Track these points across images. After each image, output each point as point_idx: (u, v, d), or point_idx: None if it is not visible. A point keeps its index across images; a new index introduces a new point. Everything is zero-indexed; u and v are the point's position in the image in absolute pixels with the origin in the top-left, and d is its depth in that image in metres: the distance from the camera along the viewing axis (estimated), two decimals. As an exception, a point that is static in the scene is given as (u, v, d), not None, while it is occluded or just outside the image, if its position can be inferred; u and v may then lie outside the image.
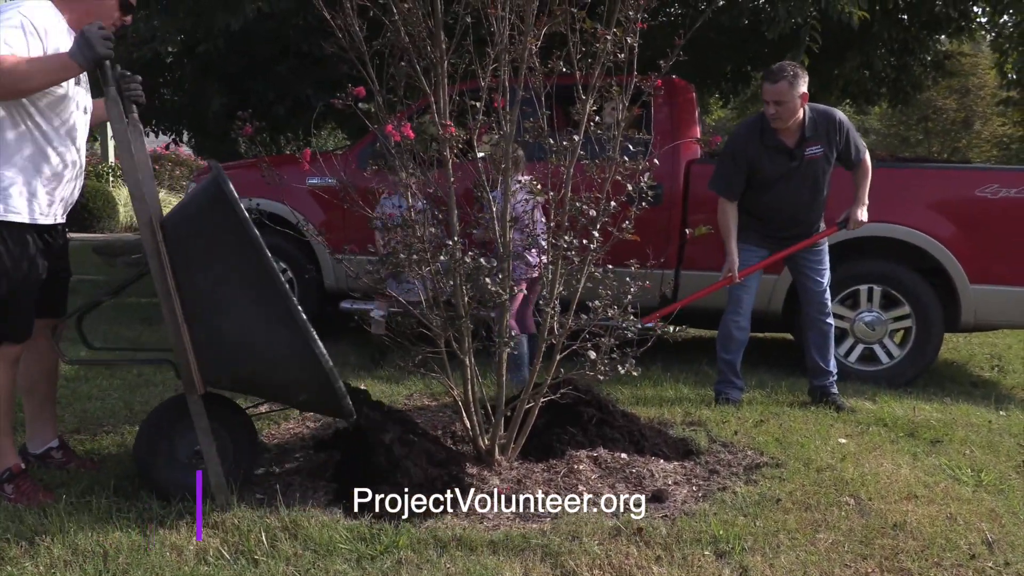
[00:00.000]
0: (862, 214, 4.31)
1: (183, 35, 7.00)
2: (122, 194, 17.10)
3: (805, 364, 4.93)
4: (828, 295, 4.44)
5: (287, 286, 2.69)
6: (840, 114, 4.30)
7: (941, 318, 4.96)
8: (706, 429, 3.84)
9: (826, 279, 4.42)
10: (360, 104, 3.06)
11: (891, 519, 2.88)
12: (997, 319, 5.01)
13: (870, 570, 2.55)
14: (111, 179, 17.39)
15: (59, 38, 2.81)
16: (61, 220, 3.02)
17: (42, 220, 2.89)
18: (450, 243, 3.10)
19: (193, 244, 2.74)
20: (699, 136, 5.29)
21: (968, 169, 5.39)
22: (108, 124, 3.06)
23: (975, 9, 8.05)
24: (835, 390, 4.44)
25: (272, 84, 7.62)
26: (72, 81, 2.84)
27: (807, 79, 4.15)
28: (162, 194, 18.02)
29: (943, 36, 8.95)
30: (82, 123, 3.00)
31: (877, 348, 5.07)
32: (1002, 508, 3.05)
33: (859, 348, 5.06)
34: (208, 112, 7.43)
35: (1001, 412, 4.48)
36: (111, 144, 17.26)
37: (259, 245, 2.63)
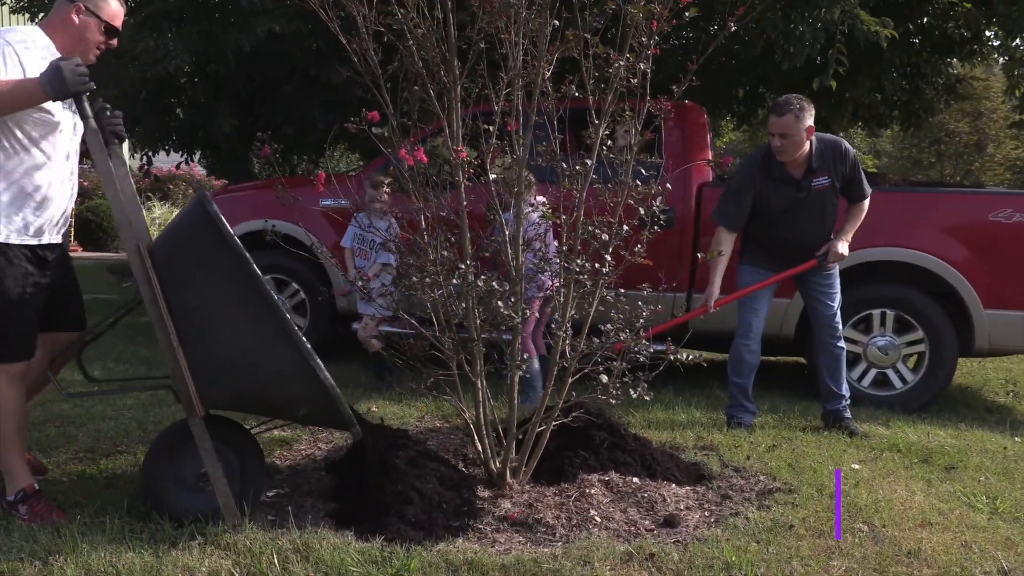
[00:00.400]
0: (843, 248, 4.27)
1: (195, 55, 7.08)
2: (149, 216, 17.28)
3: (817, 388, 4.92)
4: (839, 319, 4.40)
5: (278, 301, 2.73)
6: (847, 145, 4.31)
7: (955, 343, 4.94)
8: (718, 454, 3.83)
9: (837, 303, 4.39)
10: (374, 128, 3.09)
11: (905, 546, 2.86)
12: (1012, 344, 4.98)
13: (884, 598, 2.53)
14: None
15: (43, 66, 2.80)
16: (56, 240, 3.04)
17: (32, 241, 2.92)
18: (463, 266, 3.11)
19: (182, 266, 2.77)
20: (709, 157, 5.31)
21: (981, 193, 5.38)
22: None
23: (987, 33, 8.06)
24: (848, 414, 4.40)
25: (280, 105, 7.70)
26: (60, 104, 2.90)
27: (813, 112, 4.15)
28: (176, 214, 18.16)
29: (955, 60, 8.95)
30: (73, 145, 3.05)
31: (890, 373, 5.05)
32: (1018, 536, 3.02)
33: (872, 373, 5.04)
34: (219, 132, 7.50)
35: (1016, 438, 4.45)
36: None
37: (247, 263, 2.67)
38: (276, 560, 2.60)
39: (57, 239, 3.05)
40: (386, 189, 4.89)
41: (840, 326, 4.41)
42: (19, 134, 2.84)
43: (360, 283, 3.51)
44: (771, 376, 5.85)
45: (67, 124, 2.99)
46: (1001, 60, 8.56)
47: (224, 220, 2.68)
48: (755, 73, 8.38)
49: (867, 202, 4.37)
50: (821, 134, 4.27)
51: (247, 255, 2.69)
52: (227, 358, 2.75)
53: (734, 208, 4.31)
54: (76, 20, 2.99)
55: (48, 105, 2.84)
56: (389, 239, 3.52)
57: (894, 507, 3.22)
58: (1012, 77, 7.27)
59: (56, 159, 2.95)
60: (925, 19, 7.58)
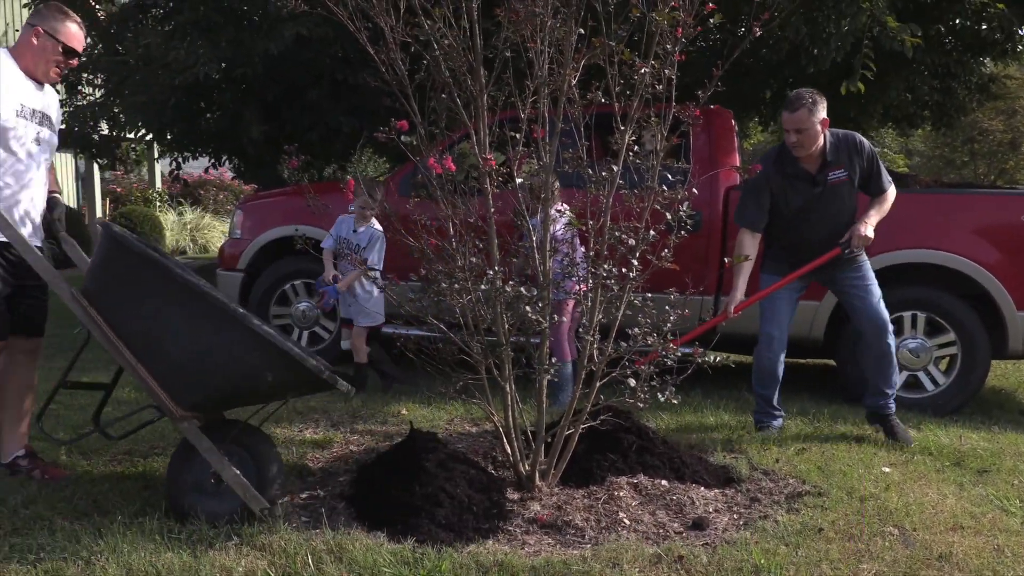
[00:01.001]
0: (867, 230, 4.10)
1: (224, 62, 7.19)
2: (168, 219, 17.53)
3: (847, 391, 4.91)
4: (884, 312, 4.21)
5: (212, 289, 2.87)
6: (863, 139, 4.24)
7: (988, 345, 4.89)
8: (747, 456, 3.83)
9: (876, 295, 4.23)
10: (403, 137, 3.14)
11: (936, 550, 2.85)
12: (1045, 346, 4.93)
13: (914, 601, 2.53)
14: (158, 204, 17.82)
15: (8, 77, 3.17)
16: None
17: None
18: (491, 272, 3.15)
19: (114, 294, 2.93)
20: (738, 163, 5.31)
21: (1013, 194, 5.32)
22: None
23: (1021, 32, 7.97)
24: (891, 411, 4.27)
25: (306, 111, 7.79)
26: (14, 113, 3.18)
27: (825, 105, 4.12)
28: (207, 218, 18.42)
29: (987, 59, 8.86)
30: (35, 152, 3.30)
31: (922, 375, 5.01)
32: (1051, 540, 3.00)
33: (903, 375, 5.00)
34: (247, 138, 7.61)
35: (1051, 441, 4.39)
36: (158, 170, 17.72)
37: (165, 266, 2.81)
38: (310, 560, 2.66)
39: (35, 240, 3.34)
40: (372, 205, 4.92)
41: (887, 320, 4.21)
42: None
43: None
44: (800, 379, 5.83)
45: (30, 136, 3.26)
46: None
47: (130, 237, 2.87)
48: (782, 76, 8.35)
49: (891, 194, 4.25)
50: (835, 129, 4.23)
51: (162, 259, 2.84)
52: (184, 358, 2.85)
53: (752, 208, 4.27)
54: (35, 42, 3.25)
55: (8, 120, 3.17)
56: (417, 246, 3.55)
57: (925, 510, 3.21)
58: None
59: (14, 169, 3.24)
60: (956, 20, 7.51)
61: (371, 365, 5.19)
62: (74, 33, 3.30)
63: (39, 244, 3.37)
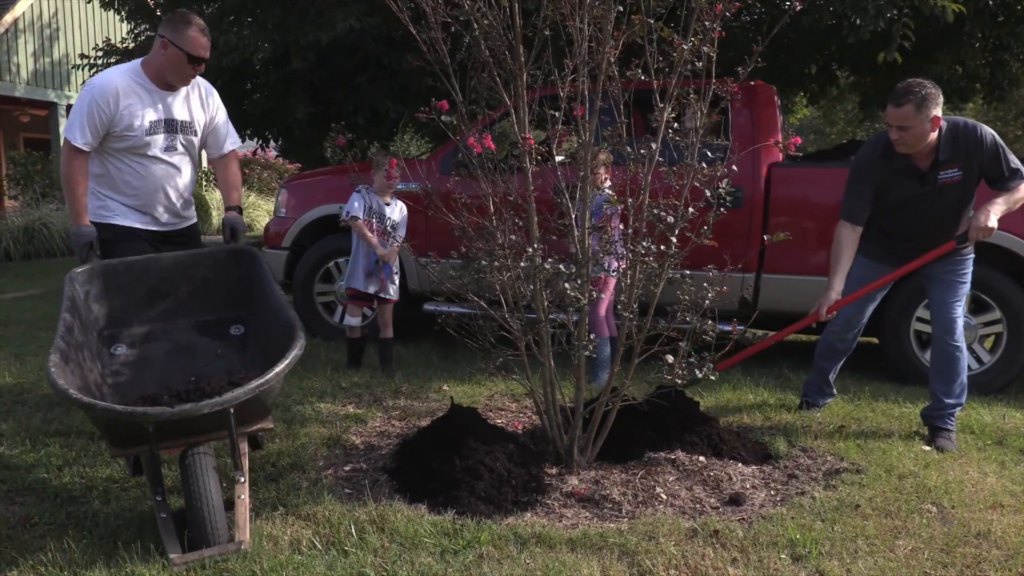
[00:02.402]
0: (989, 220, 3.64)
1: (271, 45, 7.27)
2: (215, 197, 17.81)
3: (893, 369, 4.87)
4: (960, 315, 3.89)
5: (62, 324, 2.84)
6: (987, 131, 3.72)
7: (1034, 324, 4.82)
8: (786, 434, 3.84)
9: (962, 295, 3.89)
10: (444, 116, 3.18)
11: (975, 528, 2.85)
12: (1095, 325, 4.83)
13: (951, 578, 2.54)
14: (204, 184, 18.14)
15: (130, 100, 3.38)
16: (163, 227, 3.63)
17: (141, 226, 3.55)
18: (530, 250, 3.19)
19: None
20: (779, 139, 5.26)
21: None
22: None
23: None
24: (947, 425, 3.87)
25: (352, 95, 7.85)
26: (142, 132, 3.43)
27: (940, 99, 3.64)
28: (252, 197, 18.69)
29: (1041, 30, 8.62)
30: (165, 156, 3.54)
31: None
32: (1094, 519, 2.98)
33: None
34: (292, 120, 7.71)
35: (1098, 421, 4.33)
36: (202, 152, 17.98)
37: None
38: (353, 530, 2.74)
39: (167, 227, 3.65)
40: (393, 173, 4.85)
41: (959, 324, 3.88)
42: (109, 155, 3.48)
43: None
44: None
45: (159, 145, 3.51)
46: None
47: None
48: (826, 50, 8.22)
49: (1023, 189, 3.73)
50: (955, 118, 3.76)
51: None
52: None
53: (853, 199, 3.88)
54: (163, 52, 3.40)
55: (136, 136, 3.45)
56: (457, 225, 3.60)
57: (965, 488, 3.20)
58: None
59: (139, 172, 3.51)
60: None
61: (367, 340, 5.20)
62: (197, 41, 3.42)
63: (156, 229, 3.61)
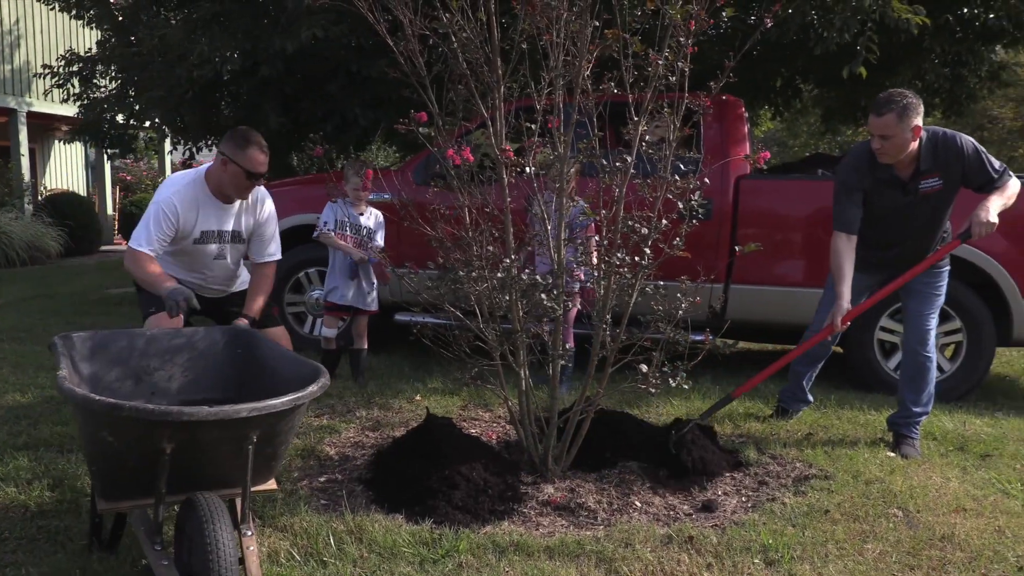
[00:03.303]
0: (989, 215, 3.63)
1: (241, 55, 7.24)
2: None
3: (857, 377, 4.96)
4: (933, 326, 3.97)
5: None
6: (966, 140, 3.78)
7: (993, 332, 4.96)
8: (755, 441, 3.91)
9: (932, 305, 3.95)
10: (422, 128, 3.21)
11: (939, 531, 2.93)
12: (1051, 333, 4.98)
13: (918, 581, 2.61)
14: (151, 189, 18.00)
15: (190, 214, 3.65)
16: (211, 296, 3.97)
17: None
18: (507, 260, 3.23)
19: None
20: (748, 152, 5.35)
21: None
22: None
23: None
24: (911, 433, 3.95)
25: (321, 103, 7.83)
26: (192, 242, 3.72)
27: (921, 109, 3.68)
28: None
29: (998, 47, 8.86)
30: (216, 258, 3.87)
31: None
32: (1053, 523, 3.07)
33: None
34: (265, 129, 7.68)
35: (1055, 427, 4.46)
36: (168, 159, 17.83)
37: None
38: (332, 541, 2.75)
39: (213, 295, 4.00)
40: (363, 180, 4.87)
41: (933, 336, 3.96)
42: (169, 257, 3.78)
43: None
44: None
45: (211, 253, 3.83)
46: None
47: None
48: (792, 63, 8.37)
49: (1012, 186, 3.77)
50: (935, 128, 3.83)
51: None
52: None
53: (845, 207, 3.88)
54: (224, 168, 3.66)
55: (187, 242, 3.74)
56: (434, 236, 3.62)
57: (929, 493, 3.28)
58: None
59: (190, 268, 3.87)
60: (965, 9, 7.52)
61: (345, 351, 5.19)
62: (257, 159, 3.64)
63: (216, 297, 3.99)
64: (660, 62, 3.13)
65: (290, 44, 6.74)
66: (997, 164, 3.80)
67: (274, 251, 4.00)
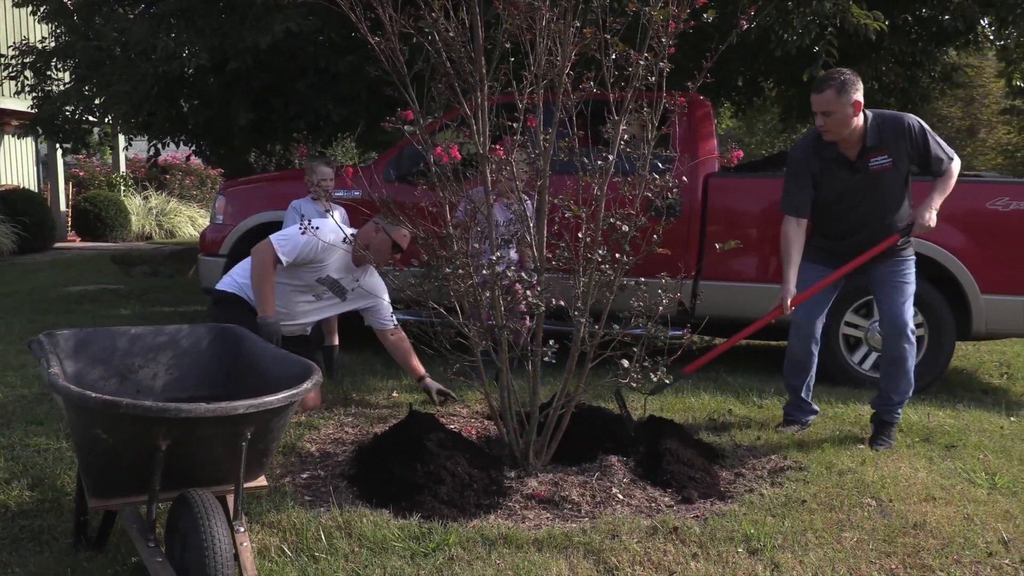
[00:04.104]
0: (930, 218, 3.80)
1: (209, 52, 7.15)
2: (134, 203, 17.35)
3: (825, 372, 5.06)
4: (909, 315, 3.97)
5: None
6: (912, 119, 3.86)
7: (953, 327, 5.11)
8: (730, 434, 3.99)
9: (908, 295, 3.97)
10: (407, 126, 3.23)
11: (911, 519, 3.03)
12: (1007, 328, 5.16)
13: (894, 567, 2.70)
14: (123, 188, 17.62)
15: (327, 260, 4.18)
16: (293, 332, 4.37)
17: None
18: (492, 257, 3.26)
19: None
20: (715, 148, 5.45)
21: (979, 182, 5.53)
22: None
23: (983, 22, 8.20)
24: (892, 419, 4.03)
25: (292, 100, 7.77)
26: (316, 281, 4.25)
27: (860, 85, 3.78)
28: (173, 203, 18.27)
29: (951, 49, 9.10)
30: (309, 303, 4.36)
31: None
32: (1016, 509, 3.19)
33: (873, 356, 5.20)
34: (235, 127, 7.59)
35: (1012, 418, 4.62)
36: (123, 155, 17.48)
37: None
38: (322, 536, 2.76)
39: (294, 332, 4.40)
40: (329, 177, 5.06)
41: (907, 323, 3.95)
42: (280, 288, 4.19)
43: None
44: (779, 359, 6.00)
45: (314, 295, 4.33)
46: (996, 48, 8.73)
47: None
48: (754, 63, 8.51)
49: (954, 169, 3.89)
50: (881, 110, 3.96)
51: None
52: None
53: (793, 191, 3.98)
54: (375, 235, 4.10)
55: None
56: (418, 234, 3.64)
57: (899, 483, 3.39)
58: (1007, 68, 7.40)
59: (287, 302, 4.28)
60: (922, 11, 7.72)
61: (317, 349, 5.17)
62: (404, 236, 4.06)
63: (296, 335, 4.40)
64: (641, 62, 3.18)
65: (262, 39, 6.67)
66: (943, 145, 3.88)
67: (389, 316, 4.49)
